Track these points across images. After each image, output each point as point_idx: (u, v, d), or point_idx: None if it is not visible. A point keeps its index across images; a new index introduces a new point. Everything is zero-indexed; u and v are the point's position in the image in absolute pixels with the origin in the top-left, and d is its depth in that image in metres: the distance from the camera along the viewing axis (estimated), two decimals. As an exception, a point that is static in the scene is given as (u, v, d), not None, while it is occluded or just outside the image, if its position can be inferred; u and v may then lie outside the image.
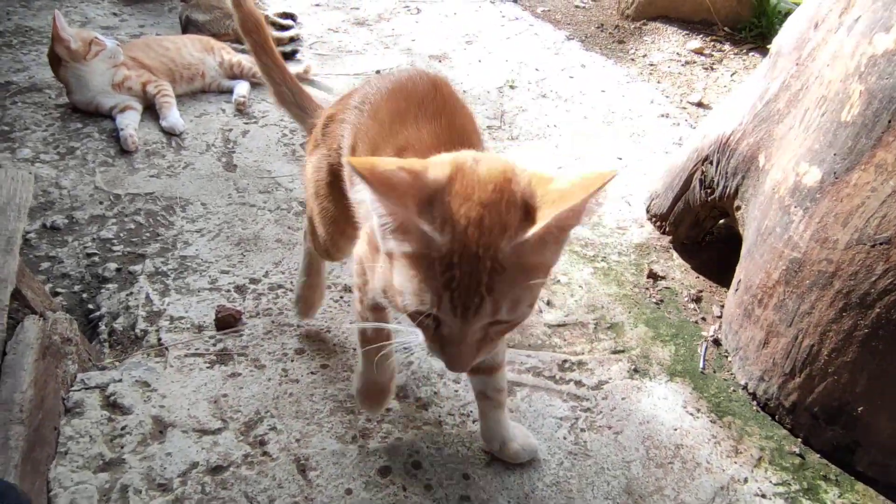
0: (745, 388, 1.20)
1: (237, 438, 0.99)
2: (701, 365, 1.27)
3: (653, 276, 1.49)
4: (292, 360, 1.15)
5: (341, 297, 1.33)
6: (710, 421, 1.15)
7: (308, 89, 2.08)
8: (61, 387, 0.93)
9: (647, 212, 1.65)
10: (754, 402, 1.18)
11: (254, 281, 1.35)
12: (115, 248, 1.41)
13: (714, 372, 1.26)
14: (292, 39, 2.35)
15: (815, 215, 1.04)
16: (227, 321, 1.22)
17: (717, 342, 1.33)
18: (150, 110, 1.84)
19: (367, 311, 0.84)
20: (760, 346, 1.16)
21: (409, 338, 0.66)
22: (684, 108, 2.25)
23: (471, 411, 1.10)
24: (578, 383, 1.19)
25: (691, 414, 1.16)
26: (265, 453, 0.97)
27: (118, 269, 1.35)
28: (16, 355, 0.83)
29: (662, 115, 2.16)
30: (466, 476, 0.99)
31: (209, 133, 1.83)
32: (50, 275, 1.32)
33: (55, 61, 1.72)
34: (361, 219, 0.84)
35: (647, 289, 1.46)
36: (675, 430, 1.12)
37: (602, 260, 1.53)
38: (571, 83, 2.31)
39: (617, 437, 1.10)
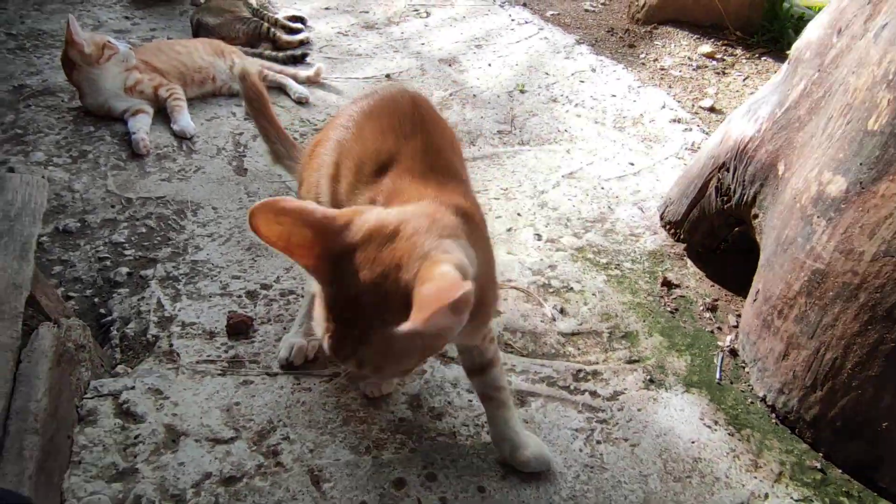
0: (763, 400, 1.18)
1: (250, 448, 0.98)
2: (717, 376, 1.25)
3: (667, 284, 1.47)
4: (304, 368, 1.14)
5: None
6: (728, 434, 1.13)
7: (318, 92, 2.10)
8: (75, 394, 0.92)
9: (661, 219, 1.63)
10: (773, 415, 1.16)
11: (265, 286, 1.34)
12: (126, 252, 1.41)
13: (731, 383, 1.24)
14: (302, 43, 2.35)
15: (839, 226, 1.02)
16: (238, 328, 1.21)
17: (733, 352, 1.31)
18: (161, 114, 1.84)
19: None
20: (780, 357, 1.14)
21: None
22: (696, 112, 2.23)
23: (484, 422, 1.09)
24: (593, 394, 1.18)
25: (709, 426, 1.14)
26: (278, 464, 0.96)
27: (129, 274, 1.34)
28: (30, 363, 0.82)
29: (674, 120, 2.14)
30: (482, 489, 0.97)
31: (220, 137, 1.83)
32: (62, 279, 1.32)
33: (69, 65, 1.73)
34: None
35: (661, 297, 1.44)
36: (693, 442, 1.10)
37: (615, 267, 1.51)
38: (582, 87, 2.30)
39: (633, 449, 1.08)
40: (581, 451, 1.06)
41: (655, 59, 2.56)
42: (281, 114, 1.97)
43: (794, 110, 1.22)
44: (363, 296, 0.62)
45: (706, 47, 2.60)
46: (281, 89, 2.06)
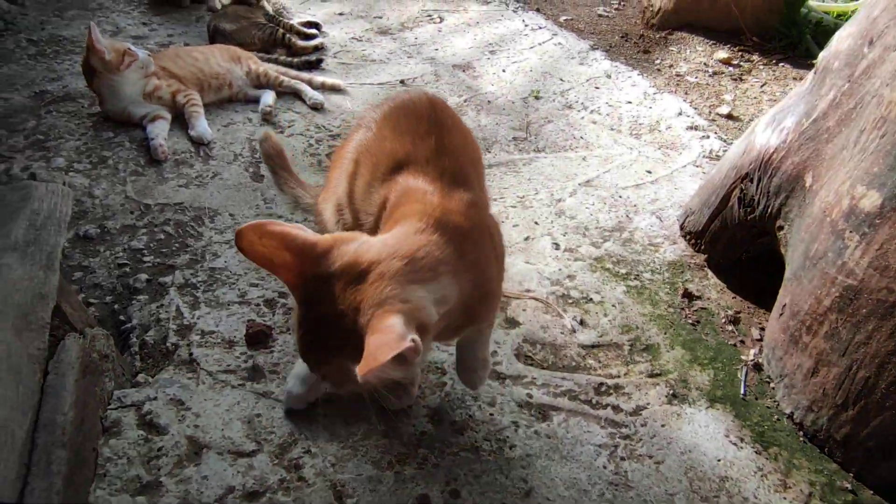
0: (790, 417, 1.16)
1: (272, 462, 0.97)
2: (742, 391, 1.22)
3: (688, 295, 1.45)
4: (324, 379, 1.13)
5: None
6: (755, 452, 1.10)
7: (333, 98, 2.10)
8: (99, 405, 0.92)
9: (682, 229, 1.61)
10: (801, 433, 1.14)
11: (283, 294, 1.33)
12: (145, 258, 1.41)
13: (756, 399, 1.22)
14: (316, 48, 2.36)
15: (873, 242, 1.00)
16: (257, 337, 1.21)
17: (758, 367, 1.28)
18: (178, 119, 1.85)
19: None
20: (809, 374, 1.11)
21: None
22: (713, 119, 2.21)
23: (507, 437, 1.07)
24: (616, 408, 1.16)
25: (735, 444, 1.12)
26: (301, 478, 0.95)
27: (149, 281, 1.34)
28: (57, 375, 0.82)
29: (691, 128, 2.12)
30: (506, 506, 0.96)
31: (236, 143, 1.83)
32: (83, 285, 1.32)
33: (89, 72, 1.74)
34: None
35: (682, 309, 1.42)
36: (719, 460, 1.08)
37: (635, 278, 1.50)
38: (597, 94, 2.28)
39: (658, 467, 1.06)
40: (605, 467, 1.04)
41: (671, 65, 2.54)
42: (296, 119, 1.97)
43: (822, 121, 1.20)
44: (327, 326, 0.67)
45: (722, 53, 2.57)
46: (296, 95, 2.06)
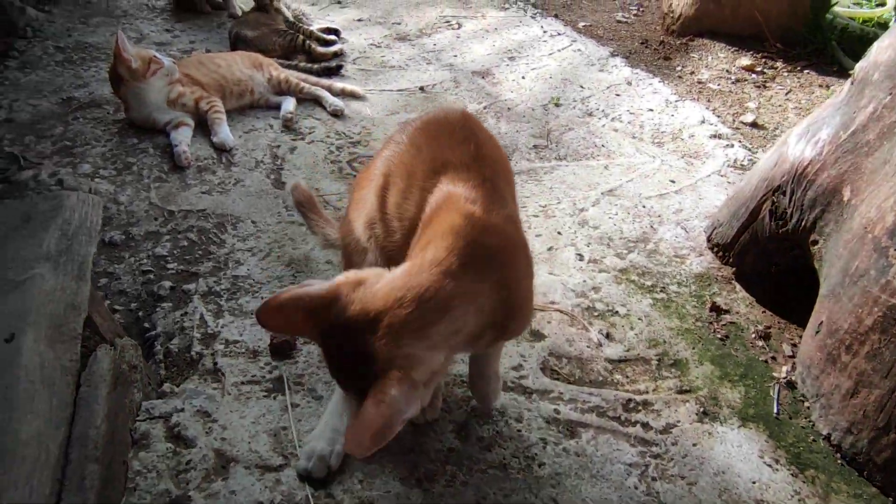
0: (827, 438, 1.13)
1: (298, 476, 0.96)
2: (775, 409, 1.19)
3: (716, 309, 1.42)
4: (350, 392, 1.12)
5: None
6: (792, 474, 1.07)
7: (353, 105, 2.10)
8: (129, 417, 0.92)
9: (709, 241, 1.58)
10: (838, 455, 1.10)
11: (306, 304, 1.33)
12: (169, 265, 1.41)
13: (790, 418, 1.18)
14: (336, 55, 2.36)
15: (920, 260, 0.97)
16: (281, 348, 1.20)
17: (790, 385, 1.25)
18: (201, 126, 1.86)
19: None
20: (848, 395, 1.08)
21: None
22: (737, 128, 2.17)
23: (535, 454, 1.05)
24: (645, 426, 1.13)
25: (769, 465, 1.08)
26: (329, 495, 0.94)
27: (172, 288, 1.35)
28: (90, 387, 0.82)
29: (715, 136, 2.09)
30: (536, 527, 0.94)
31: (258, 149, 1.84)
32: (108, 291, 1.33)
33: (116, 80, 1.76)
34: None
35: (710, 323, 1.39)
36: (754, 483, 1.05)
37: (661, 290, 1.47)
38: (618, 101, 2.26)
39: (691, 488, 1.03)
40: (636, 488, 1.02)
41: (692, 72, 2.51)
42: (317, 126, 1.97)
43: (861, 134, 1.16)
44: (349, 366, 0.73)
45: (745, 60, 2.53)
46: (317, 101, 2.06)
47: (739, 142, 2.06)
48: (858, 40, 2.57)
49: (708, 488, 1.03)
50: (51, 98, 1.93)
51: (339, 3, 2.92)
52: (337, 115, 2.02)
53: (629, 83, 2.37)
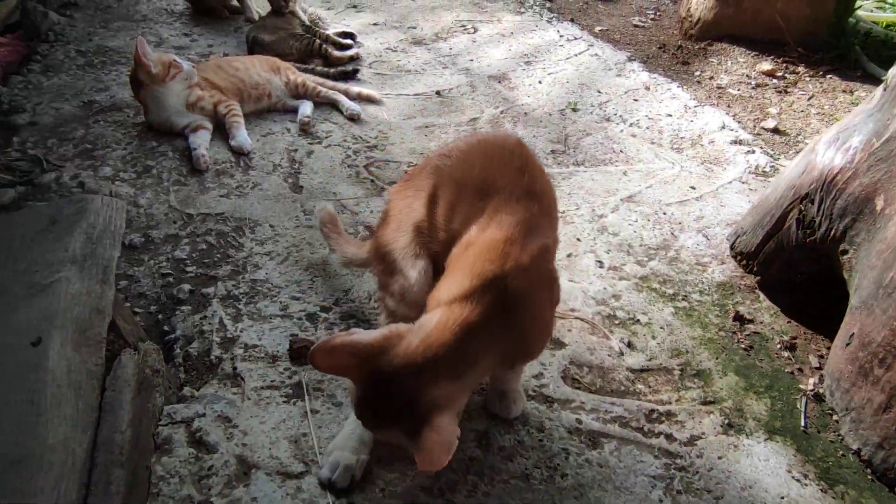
0: (857, 453, 1.09)
1: (321, 485, 0.95)
2: (802, 423, 1.16)
3: (739, 318, 1.39)
4: (369, 399, 1.11)
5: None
6: (821, 490, 1.04)
7: (369, 109, 2.10)
8: (152, 422, 0.92)
9: (732, 249, 1.55)
10: (869, 471, 1.07)
11: (325, 309, 1.32)
12: (188, 268, 1.42)
13: (818, 432, 1.15)
14: (352, 59, 2.37)
15: (961, 273, 0.94)
16: (301, 353, 1.20)
17: (818, 397, 1.22)
18: (219, 129, 1.87)
19: None
20: (880, 410, 1.05)
21: None
22: (758, 134, 2.14)
23: (558, 464, 1.04)
24: (669, 437, 1.11)
25: (798, 480, 1.06)
26: (351, 503, 0.93)
27: (192, 291, 1.35)
28: (115, 392, 0.82)
29: (735, 142, 2.06)
30: (560, 541, 0.92)
31: (275, 153, 1.84)
32: (128, 294, 1.34)
33: (136, 84, 1.78)
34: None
35: (733, 333, 1.36)
36: (782, 498, 1.02)
37: (683, 299, 1.44)
38: (636, 106, 2.23)
39: (718, 502, 1.01)
40: (661, 501, 1.00)
41: (711, 77, 2.48)
42: (333, 130, 1.97)
43: (895, 142, 1.13)
44: (383, 409, 0.81)
45: (766, 64, 2.50)
46: (333, 105, 2.07)
47: (761, 148, 2.03)
48: (883, 45, 2.52)
49: (735, 502, 1.00)
50: (72, 101, 1.95)
51: (355, 7, 2.94)
52: (353, 119, 2.02)
53: (647, 88, 2.34)
